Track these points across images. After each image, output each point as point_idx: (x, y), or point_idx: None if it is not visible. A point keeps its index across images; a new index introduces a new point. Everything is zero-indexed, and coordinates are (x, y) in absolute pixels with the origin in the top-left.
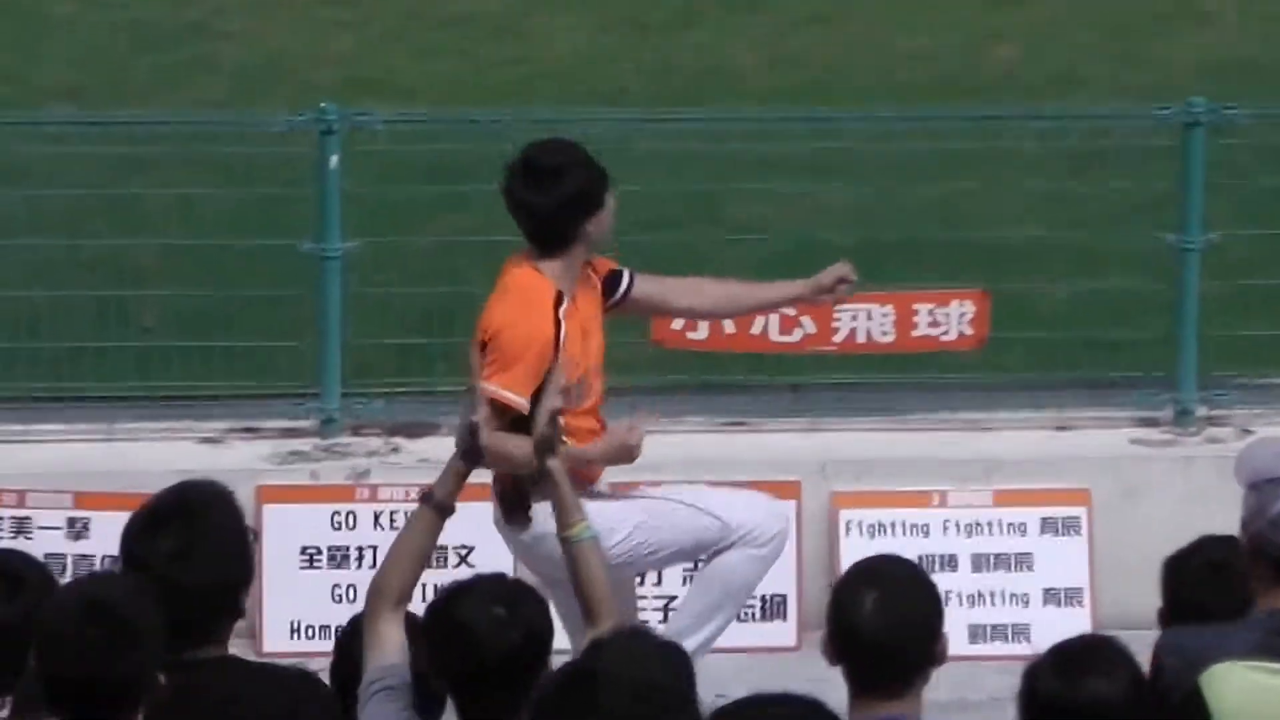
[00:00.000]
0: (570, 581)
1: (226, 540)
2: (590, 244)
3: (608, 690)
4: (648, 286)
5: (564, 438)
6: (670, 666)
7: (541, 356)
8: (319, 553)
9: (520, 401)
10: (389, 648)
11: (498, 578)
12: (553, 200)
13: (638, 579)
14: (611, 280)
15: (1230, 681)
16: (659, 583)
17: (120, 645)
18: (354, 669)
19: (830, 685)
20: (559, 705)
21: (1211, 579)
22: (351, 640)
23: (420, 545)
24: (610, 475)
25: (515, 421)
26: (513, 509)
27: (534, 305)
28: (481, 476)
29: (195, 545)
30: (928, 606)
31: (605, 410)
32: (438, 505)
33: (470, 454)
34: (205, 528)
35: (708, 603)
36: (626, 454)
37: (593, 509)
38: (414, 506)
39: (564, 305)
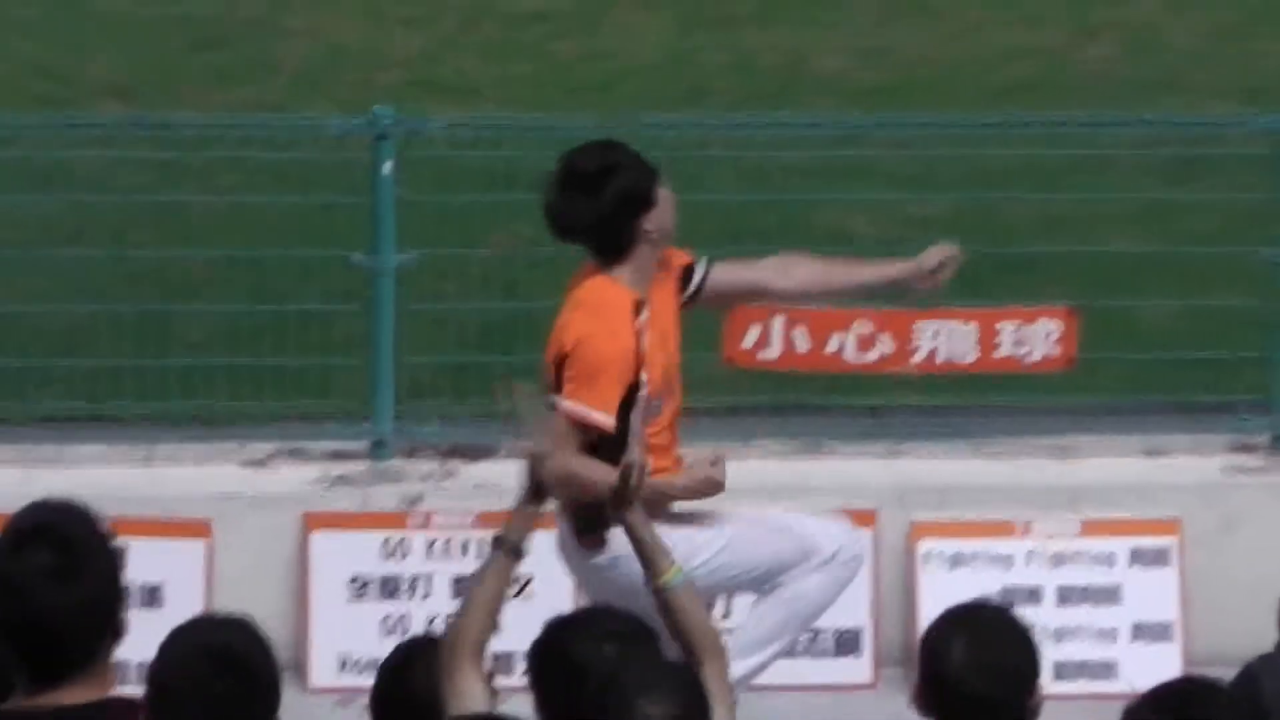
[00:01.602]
0: (665, 625)
1: (101, 553)
2: (654, 243)
3: None
4: (726, 274)
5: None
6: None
7: (624, 370)
8: (369, 583)
9: (605, 420)
10: (473, 700)
11: (605, 611)
12: (602, 206)
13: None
14: (687, 273)
15: None
16: (726, 615)
17: (251, 695)
18: (405, 699)
19: None
20: None
21: None
22: (404, 669)
23: (495, 592)
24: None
25: (594, 444)
26: (587, 529)
27: (612, 316)
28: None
29: (71, 561)
30: (1022, 656)
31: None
32: (511, 549)
33: (538, 491)
34: (75, 543)
35: (773, 624)
36: (712, 487)
37: (676, 537)
38: (470, 534)
39: (643, 314)
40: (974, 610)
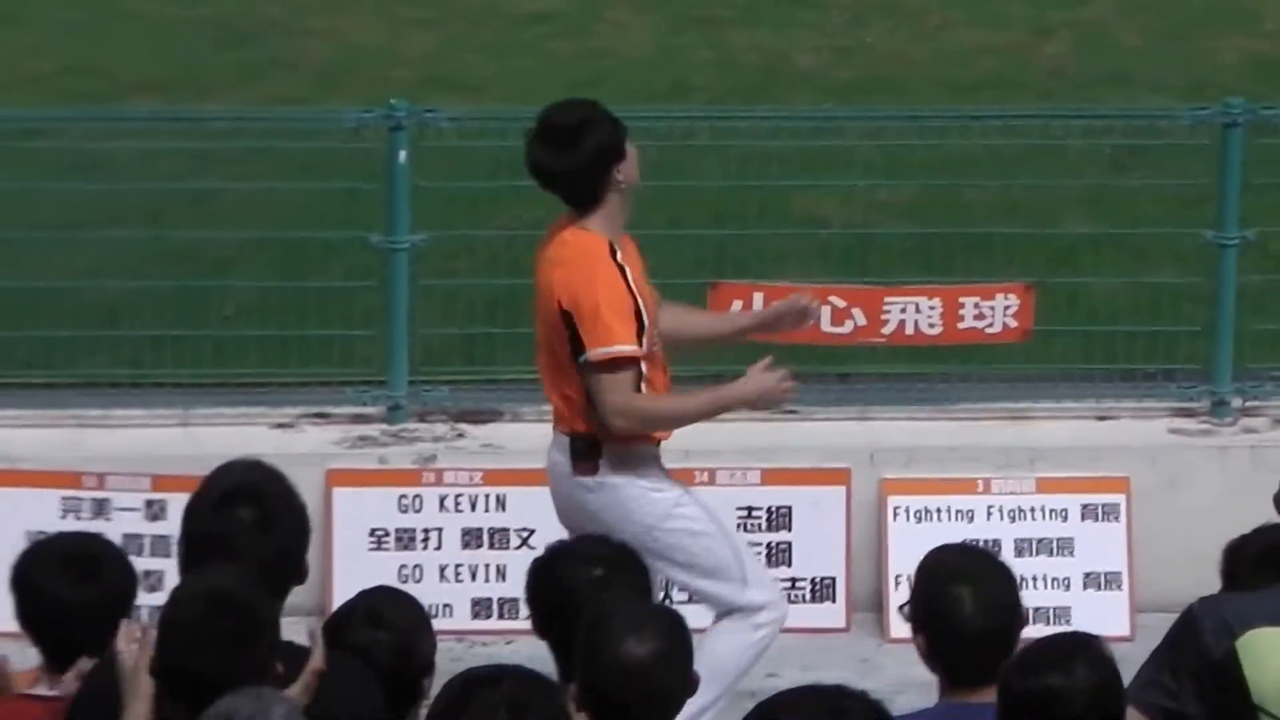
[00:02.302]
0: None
1: (294, 508)
2: (623, 193)
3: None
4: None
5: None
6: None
7: (625, 301)
8: (387, 534)
9: (631, 349)
10: None
11: (595, 538)
12: (581, 156)
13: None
14: None
15: (1268, 645)
16: None
17: (247, 637)
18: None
19: (872, 666)
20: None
21: (1269, 564)
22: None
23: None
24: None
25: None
26: (583, 456)
27: (594, 261)
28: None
29: (270, 515)
30: (1014, 593)
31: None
32: None
33: None
34: (273, 499)
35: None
36: (776, 394)
37: (670, 494)
38: (479, 490)
39: (618, 253)
40: (962, 558)
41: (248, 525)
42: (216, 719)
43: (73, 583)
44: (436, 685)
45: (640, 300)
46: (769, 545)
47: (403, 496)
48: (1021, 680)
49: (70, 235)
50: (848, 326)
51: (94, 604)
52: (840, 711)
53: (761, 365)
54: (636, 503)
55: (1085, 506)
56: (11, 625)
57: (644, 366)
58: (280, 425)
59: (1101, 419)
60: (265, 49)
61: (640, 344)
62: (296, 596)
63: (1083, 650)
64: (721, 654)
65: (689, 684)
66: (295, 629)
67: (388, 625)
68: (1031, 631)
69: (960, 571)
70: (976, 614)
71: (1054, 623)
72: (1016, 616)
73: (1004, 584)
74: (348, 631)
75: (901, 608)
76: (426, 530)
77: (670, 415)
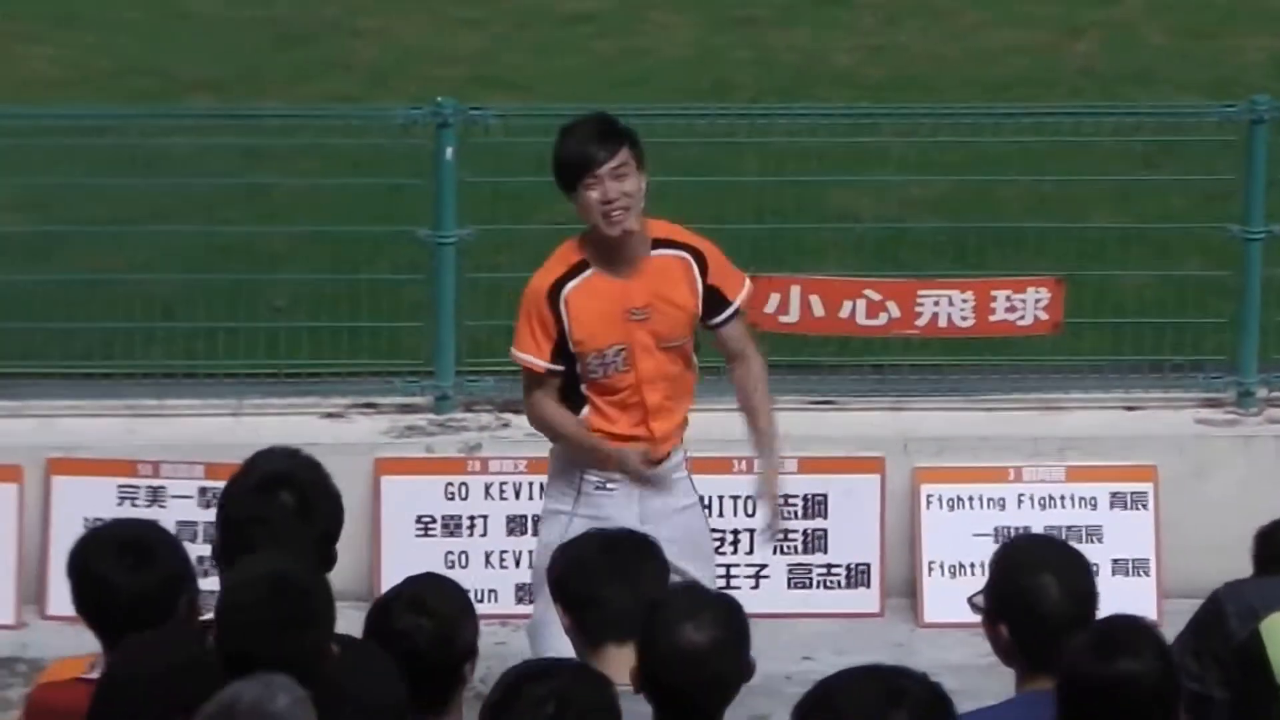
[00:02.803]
0: None
1: (331, 494)
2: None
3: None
4: (727, 337)
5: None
6: (726, 620)
7: (534, 310)
8: (433, 521)
9: (525, 359)
10: None
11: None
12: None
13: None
14: (719, 303)
15: None
16: (750, 551)
17: (304, 620)
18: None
19: (907, 650)
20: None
21: None
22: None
23: None
24: (703, 450)
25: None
26: None
27: (546, 264)
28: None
29: (309, 501)
30: (1093, 579)
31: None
32: None
33: None
34: (311, 486)
35: None
36: (635, 471)
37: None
38: (523, 478)
39: (582, 275)
40: (1043, 548)
41: (288, 510)
42: (220, 705)
43: (128, 569)
44: (480, 669)
45: (558, 324)
46: (805, 532)
47: (449, 484)
48: (1093, 665)
49: (128, 230)
50: (882, 319)
51: (149, 590)
52: (899, 693)
53: (641, 449)
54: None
55: (1114, 495)
56: (69, 610)
57: (582, 386)
58: (330, 415)
59: (1130, 409)
60: (319, 48)
61: (541, 360)
62: (344, 583)
63: (1148, 635)
64: None
65: (745, 670)
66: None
67: (430, 612)
68: None
69: (1043, 561)
70: (1061, 601)
71: None
72: (1095, 603)
73: (1084, 571)
74: (391, 617)
75: (972, 599)
76: (472, 517)
77: (549, 426)
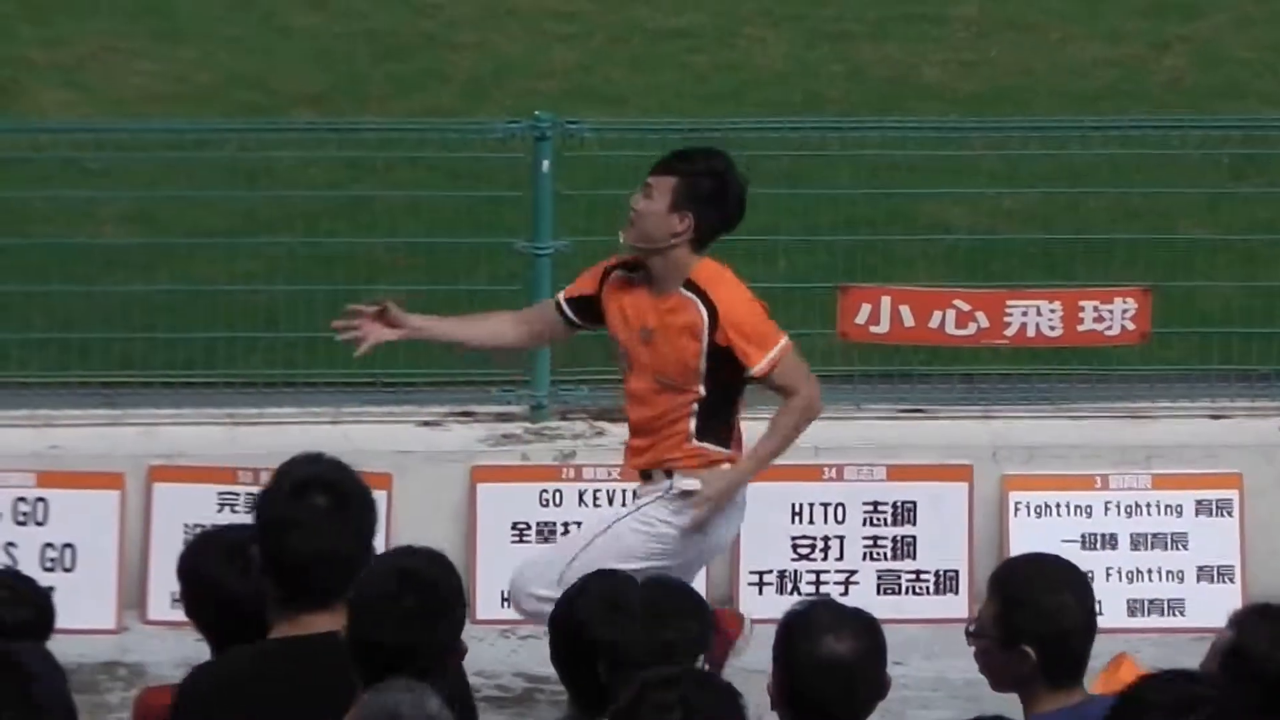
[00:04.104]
0: None
1: (360, 492)
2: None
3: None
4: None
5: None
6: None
7: (589, 271)
8: (528, 528)
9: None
10: None
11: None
12: None
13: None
14: (735, 366)
15: None
16: (840, 557)
17: (435, 613)
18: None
19: None
20: None
21: None
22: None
23: None
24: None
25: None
26: None
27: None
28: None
29: (341, 499)
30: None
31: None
32: None
33: None
34: (343, 490)
35: None
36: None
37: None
38: (616, 485)
39: (631, 273)
40: (1052, 567)
41: (320, 511)
42: (381, 711)
43: (238, 574)
44: None
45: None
46: (894, 539)
47: (544, 491)
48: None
49: (231, 241)
50: (971, 329)
51: (258, 594)
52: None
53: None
54: None
55: (1199, 502)
56: (169, 615)
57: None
58: (427, 423)
59: (1215, 418)
60: (418, 62)
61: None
62: None
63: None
64: None
65: (883, 684)
66: None
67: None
68: (1145, 623)
69: (1057, 579)
70: (1083, 616)
71: (1168, 614)
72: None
73: (1088, 584)
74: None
75: (972, 630)
76: (566, 524)
77: None
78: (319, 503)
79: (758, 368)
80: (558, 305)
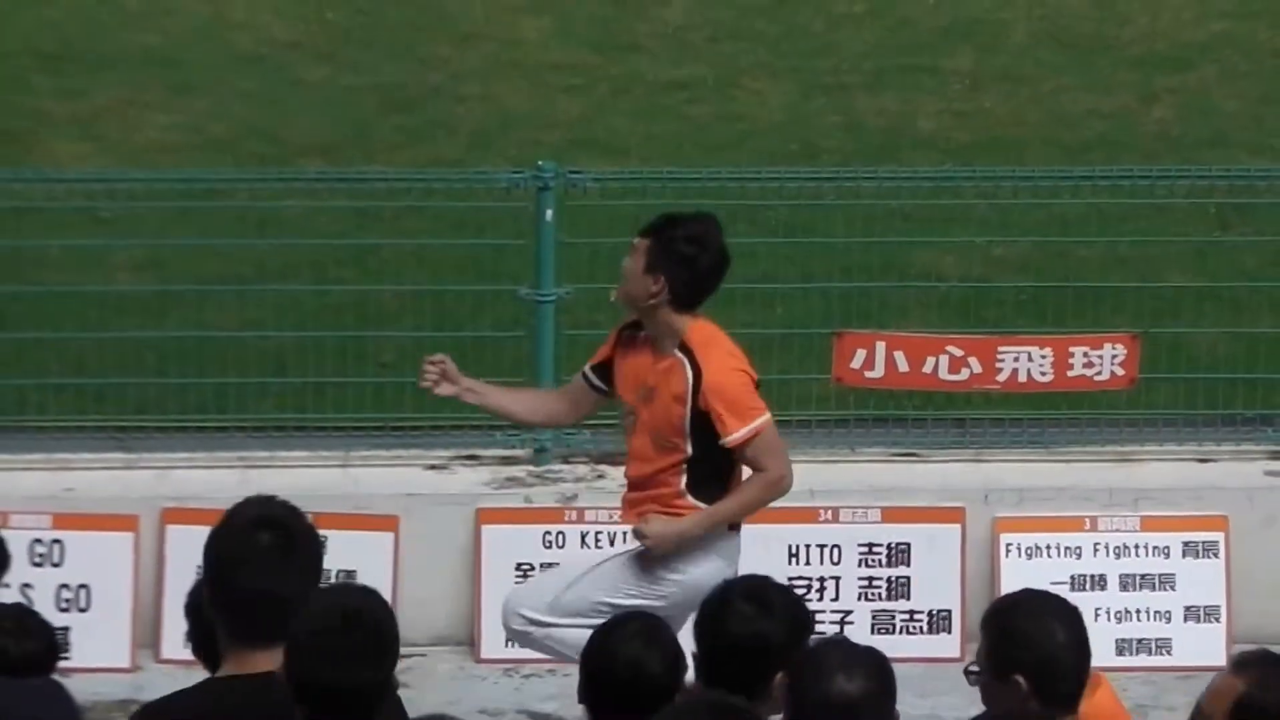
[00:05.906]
0: None
1: (307, 532)
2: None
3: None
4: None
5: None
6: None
7: (610, 336)
8: (532, 568)
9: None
10: None
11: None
12: None
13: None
14: (712, 431)
15: None
16: (836, 598)
17: (376, 652)
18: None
19: None
20: None
21: None
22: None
23: None
24: (789, 500)
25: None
26: None
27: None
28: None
29: (290, 544)
30: (1083, 624)
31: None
32: None
33: None
34: (292, 529)
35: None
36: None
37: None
38: (617, 527)
39: (640, 332)
40: (1040, 598)
41: (269, 548)
42: None
43: None
44: None
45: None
46: (888, 579)
47: (547, 533)
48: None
49: (241, 288)
50: (964, 374)
51: None
52: None
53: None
54: None
55: (1186, 544)
56: (182, 654)
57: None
58: (433, 467)
59: (1202, 461)
60: (424, 114)
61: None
62: (447, 627)
63: None
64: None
65: None
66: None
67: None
68: (1133, 662)
69: (1040, 607)
70: (1070, 638)
71: (1156, 653)
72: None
73: (1077, 614)
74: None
75: (970, 670)
76: None
77: None
78: (267, 541)
79: (732, 438)
80: (584, 375)
